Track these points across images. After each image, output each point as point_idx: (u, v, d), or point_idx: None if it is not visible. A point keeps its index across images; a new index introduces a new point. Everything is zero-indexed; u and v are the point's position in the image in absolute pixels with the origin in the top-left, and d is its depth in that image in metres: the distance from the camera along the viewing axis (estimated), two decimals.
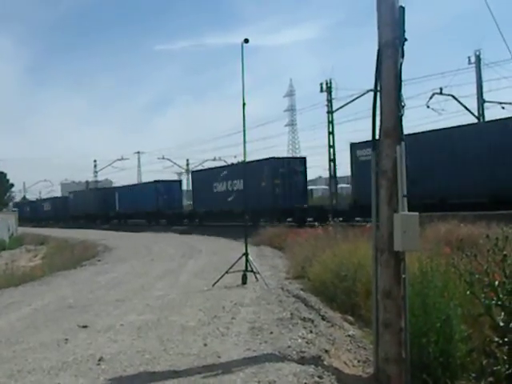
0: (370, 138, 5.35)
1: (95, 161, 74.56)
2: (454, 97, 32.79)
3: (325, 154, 35.34)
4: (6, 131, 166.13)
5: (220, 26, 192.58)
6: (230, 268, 10.53)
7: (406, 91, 5.22)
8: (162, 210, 44.68)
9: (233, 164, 42.73)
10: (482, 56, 32.78)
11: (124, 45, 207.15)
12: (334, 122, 33.06)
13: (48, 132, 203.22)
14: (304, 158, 34.09)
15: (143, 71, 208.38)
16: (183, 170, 66.57)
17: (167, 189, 46.11)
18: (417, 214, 4.97)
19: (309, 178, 35.69)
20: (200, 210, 39.35)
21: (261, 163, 31.13)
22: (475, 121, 31.86)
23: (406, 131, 5.13)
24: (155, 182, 47.46)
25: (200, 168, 56.49)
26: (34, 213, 72.38)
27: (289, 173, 31.37)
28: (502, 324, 4.87)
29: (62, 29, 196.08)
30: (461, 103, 33.01)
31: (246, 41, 10.44)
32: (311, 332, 6.37)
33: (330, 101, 32.78)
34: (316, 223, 21.89)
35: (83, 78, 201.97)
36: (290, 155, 72.13)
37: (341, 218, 24.82)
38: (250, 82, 11.09)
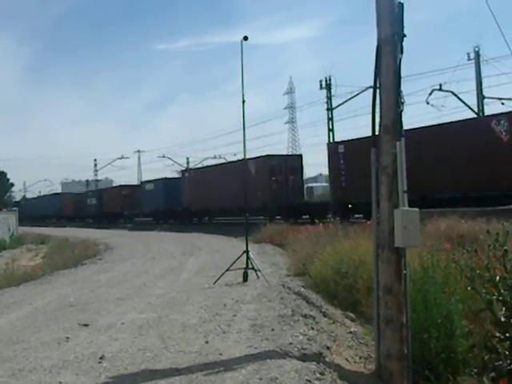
0: (369, 135, 5.34)
1: (95, 160, 74.39)
2: (453, 93, 32.81)
3: (325, 151, 35.18)
4: (5, 131, 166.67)
5: (220, 24, 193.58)
6: (231, 265, 10.53)
7: (405, 87, 5.23)
8: None
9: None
10: (481, 52, 32.81)
11: (124, 44, 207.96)
12: (334, 119, 32.99)
13: (47, 131, 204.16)
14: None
15: (144, 70, 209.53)
16: (183, 169, 66.30)
17: None
18: (417, 209, 4.97)
19: (309, 175, 35.67)
20: None
21: None
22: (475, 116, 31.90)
23: (405, 127, 5.13)
24: None
25: (200, 166, 56.86)
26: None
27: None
28: (503, 319, 4.85)
29: (63, 27, 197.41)
30: (460, 99, 33.02)
31: (246, 38, 10.42)
32: (312, 329, 6.36)
33: (329, 98, 32.71)
34: (316, 220, 22.01)
35: (83, 77, 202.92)
36: (290, 152, 71.91)
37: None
38: (249, 80, 11.16)
